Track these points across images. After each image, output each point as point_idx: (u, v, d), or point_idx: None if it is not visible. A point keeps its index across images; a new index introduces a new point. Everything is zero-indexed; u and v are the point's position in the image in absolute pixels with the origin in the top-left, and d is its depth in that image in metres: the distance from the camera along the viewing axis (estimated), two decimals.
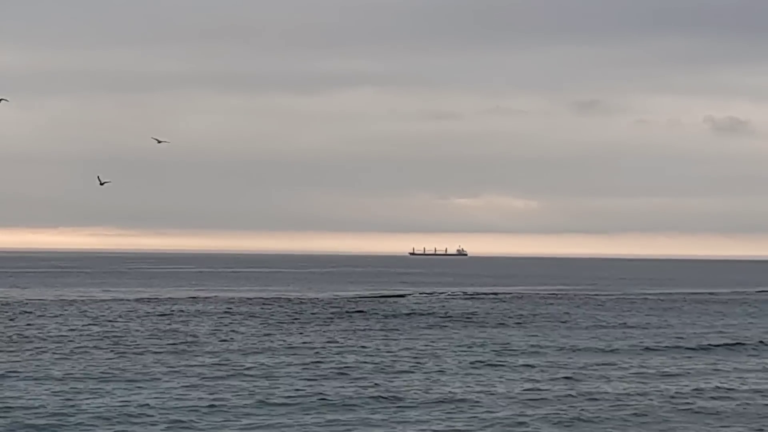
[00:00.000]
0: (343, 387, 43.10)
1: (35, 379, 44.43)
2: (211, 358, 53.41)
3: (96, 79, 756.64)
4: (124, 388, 41.68)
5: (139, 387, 42.35)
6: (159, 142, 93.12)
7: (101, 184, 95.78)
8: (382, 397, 40.24)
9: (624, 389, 43.89)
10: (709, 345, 64.08)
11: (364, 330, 71.99)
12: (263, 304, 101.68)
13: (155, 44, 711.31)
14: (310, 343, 62.22)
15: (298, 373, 47.44)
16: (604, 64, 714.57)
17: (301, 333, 68.95)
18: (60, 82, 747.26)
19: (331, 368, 49.20)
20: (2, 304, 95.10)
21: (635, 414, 37.65)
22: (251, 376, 46.08)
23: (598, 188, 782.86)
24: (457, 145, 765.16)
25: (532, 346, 61.71)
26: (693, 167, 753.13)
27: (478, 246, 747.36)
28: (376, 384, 44.11)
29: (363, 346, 60.43)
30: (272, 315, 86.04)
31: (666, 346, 62.77)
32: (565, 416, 37.21)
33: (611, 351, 59.56)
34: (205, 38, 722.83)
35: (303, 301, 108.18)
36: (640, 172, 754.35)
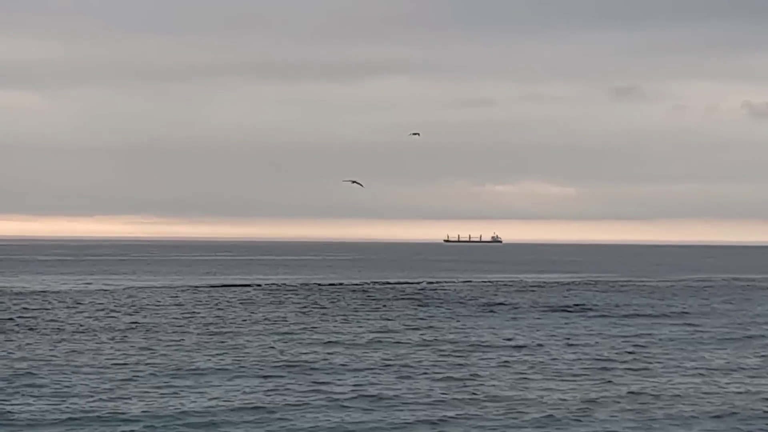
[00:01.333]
0: (396, 381, 42.15)
1: (80, 371, 44.13)
2: (258, 348, 53.23)
3: (129, 69, 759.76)
4: (170, 382, 40.96)
5: (186, 381, 41.84)
6: (415, 135, 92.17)
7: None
8: (449, 395, 38.57)
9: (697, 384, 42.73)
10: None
11: (409, 317, 71.66)
12: (305, 290, 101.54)
13: (188, 34, 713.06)
14: (360, 331, 61.66)
15: (351, 366, 46.52)
16: (641, 50, 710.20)
17: (348, 321, 68.69)
18: (94, 72, 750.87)
19: (382, 360, 48.16)
20: (41, 293, 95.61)
21: (714, 413, 36.07)
22: (306, 369, 45.15)
23: (635, 174, 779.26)
24: (493, 133, 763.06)
25: (603, 337, 60.31)
26: (731, 153, 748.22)
27: (515, 233, 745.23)
28: (435, 378, 42.96)
29: (417, 335, 60.10)
30: (315, 302, 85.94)
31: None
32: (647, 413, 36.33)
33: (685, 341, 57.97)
34: (237, 27, 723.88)
35: (343, 287, 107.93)
36: (677, 158, 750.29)
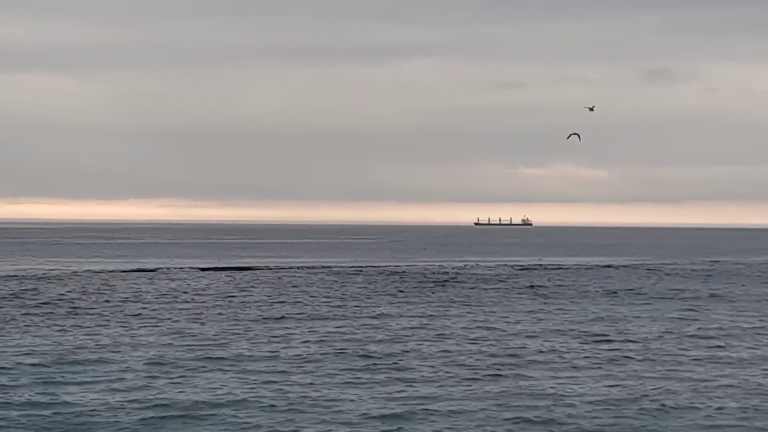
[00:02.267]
0: (443, 367, 41.29)
1: (125, 355, 43.52)
2: (300, 333, 52.61)
3: (163, 53, 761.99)
4: (217, 367, 40.15)
5: (234, 366, 41.06)
6: (591, 109, 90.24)
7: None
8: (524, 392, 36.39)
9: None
10: None
11: (450, 302, 70.87)
12: (342, 274, 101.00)
13: (221, 17, 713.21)
14: (402, 316, 60.70)
15: (392, 351, 45.59)
16: (673, 32, 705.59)
17: (386, 305, 67.98)
18: (128, 56, 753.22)
19: (428, 346, 47.18)
20: (76, 274, 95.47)
21: None
22: (351, 356, 44.07)
23: (667, 157, 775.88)
24: (524, 115, 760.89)
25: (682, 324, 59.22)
26: (764, 135, 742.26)
27: (547, 216, 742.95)
28: (483, 366, 41.58)
29: (460, 320, 59.29)
30: (352, 286, 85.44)
31: None
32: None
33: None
34: (270, 11, 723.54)
35: (381, 270, 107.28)
36: (710, 140, 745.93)
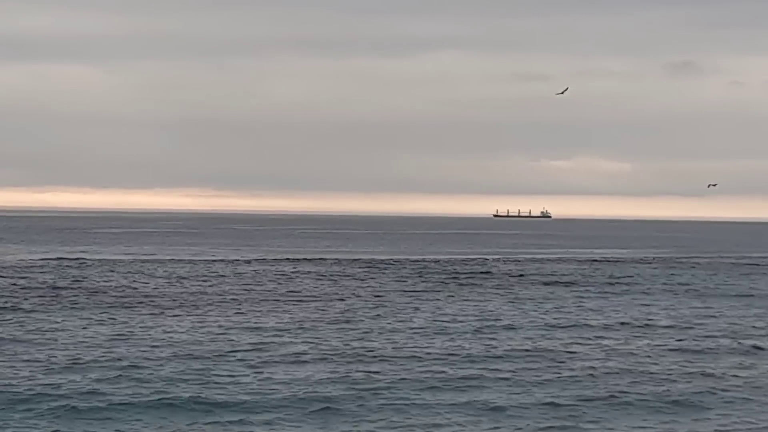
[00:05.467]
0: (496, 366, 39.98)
1: (160, 349, 43.16)
2: (328, 332, 52.02)
3: (187, 43, 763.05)
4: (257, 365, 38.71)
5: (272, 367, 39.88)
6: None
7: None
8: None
9: None
10: None
11: (499, 297, 70.34)
12: (374, 266, 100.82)
13: (244, 8, 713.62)
14: (449, 313, 58.76)
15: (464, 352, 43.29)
16: (697, 25, 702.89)
17: (434, 299, 67.61)
18: (152, 46, 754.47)
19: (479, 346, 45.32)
20: (116, 262, 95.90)
21: None
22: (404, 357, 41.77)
23: (692, 150, 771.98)
24: (548, 108, 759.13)
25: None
26: None
27: (569, 208, 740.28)
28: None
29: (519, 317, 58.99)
30: (389, 280, 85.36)
31: None
32: None
33: None
34: (295, 2, 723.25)
35: (403, 262, 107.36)
36: (734, 133, 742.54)
